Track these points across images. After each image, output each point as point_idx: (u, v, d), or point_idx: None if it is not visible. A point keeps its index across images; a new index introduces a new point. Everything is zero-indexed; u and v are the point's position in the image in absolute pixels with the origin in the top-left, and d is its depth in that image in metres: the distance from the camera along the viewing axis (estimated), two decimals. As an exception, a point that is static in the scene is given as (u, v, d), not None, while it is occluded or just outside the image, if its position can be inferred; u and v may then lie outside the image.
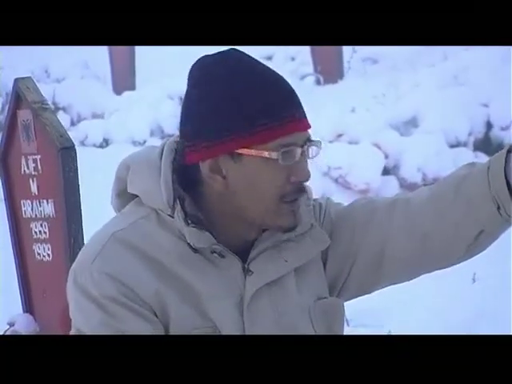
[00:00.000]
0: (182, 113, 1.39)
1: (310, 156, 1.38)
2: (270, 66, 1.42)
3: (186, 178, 1.37)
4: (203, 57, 1.39)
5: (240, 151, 1.32)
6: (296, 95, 1.39)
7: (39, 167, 3.20)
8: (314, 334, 1.48)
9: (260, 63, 1.40)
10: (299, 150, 1.33)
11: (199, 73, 1.37)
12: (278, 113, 1.33)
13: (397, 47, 8.45)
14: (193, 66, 1.38)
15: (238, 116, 1.33)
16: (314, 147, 1.37)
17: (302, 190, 1.36)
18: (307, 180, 1.38)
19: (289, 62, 9.71)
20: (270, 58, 9.31)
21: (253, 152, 1.32)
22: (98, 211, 2.80)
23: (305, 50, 8.40)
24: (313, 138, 1.38)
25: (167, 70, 6.56)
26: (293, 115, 1.35)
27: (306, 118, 1.38)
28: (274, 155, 1.31)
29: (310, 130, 1.38)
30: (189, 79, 1.38)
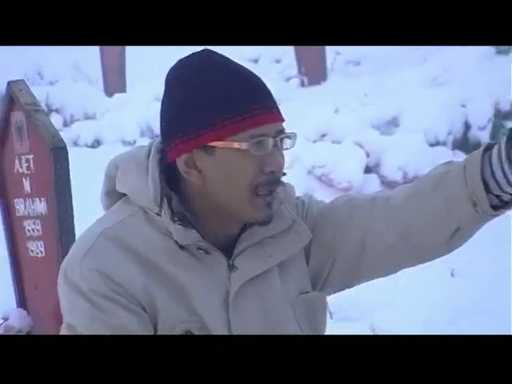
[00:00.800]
0: (160, 115, 1.40)
1: (284, 147, 1.37)
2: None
3: (171, 177, 1.38)
4: (178, 60, 1.41)
5: (212, 144, 1.33)
6: (266, 89, 1.39)
7: (32, 167, 3.22)
8: (297, 327, 1.48)
9: (230, 61, 1.40)
10: (271, 141, 1.33)
11: (172, 74, 1.39)
12: (247, 105, 1.33)
13: (378, 49, 8.51)
14: (169, 70, 1.41)
15: (208, 110, 1.33)
16: (287, 139, 1.38)
17: (276, 181, 1.37)
18: (280, 170, 1.38)
19: (274, 64, 9.71)
20: (256, 61, 9.24)
21: (224, 144, 1.32)
22: (89, 210, 2.82)
23: (290, 52, 8.37)
24: (286, 130, 1.38)
25: (156, 71, 6.47)
26: (263, 107, 1.34)
27: (277, 111, 1.38)
28: (245, 146, 1.31)
29: (284, 124, 1.39)
30: (165, 82, 1.41)
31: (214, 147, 1.33)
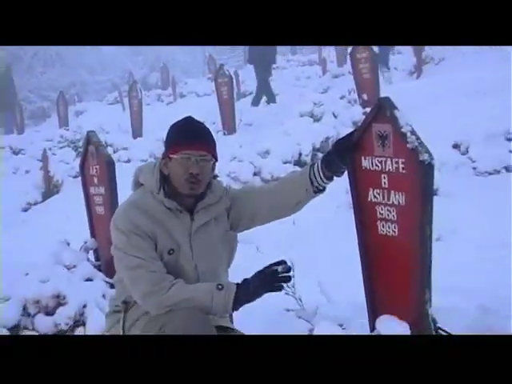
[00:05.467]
0: None
1: (201, 164, 2.56)
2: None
3: (164, 175, 2.62)
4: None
5: (170, 156, 2.58)
6: (200, 135, 2.62)
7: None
8: (224, 247, 2.70)
9: (192, 120, 2.66)
10: (193, 158, 2.54)
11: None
12: (185, 140, 2.57)
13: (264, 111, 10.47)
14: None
15: (170, 141, 2.62)
16: (203, 160, 2.57)
17: (194, 177, 2.55)
18: (195, 173, 2.54)
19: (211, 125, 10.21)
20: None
21: (173, 156, 2.57)
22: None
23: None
24: (205, 156, 2.57)
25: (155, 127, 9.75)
26: (192, 142, 2.56)
27: (203, 145, 2.58)
28: (177, 157, 2.56)
29: (205, 152, 2.58)
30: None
31: (171, 158, 2.59)
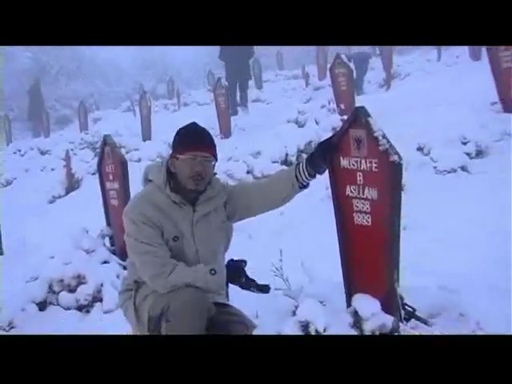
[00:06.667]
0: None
1: (206, 164, 2.58)
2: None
3: (171, 172, 2.64)
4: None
5: (177, 156, 2.60)
6: (204, 139, 2.62)
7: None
8: (222, 234, 2.71)
9: (197, 126, 2.65)
10: (198, 159, 2.56)
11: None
12: (191, 143, 2.58)
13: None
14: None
15: (178, 143, 2.62)
16: (207, 161, 2.59)
17: (199, 175, 2.57)
18: (200, 172, 2.56)
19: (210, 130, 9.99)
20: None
21: (180, 156, 2.59)
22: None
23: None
24: (208, 157, 2.59)
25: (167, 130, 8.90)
26: (197, 145, 2.58)
27: (206, 148, 2.59)
28: (184, 158, 2.57)
29: (209, 153, 2.59)
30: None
31: (178, 158, 2.60)
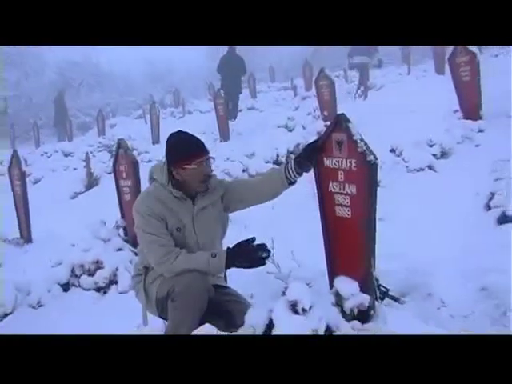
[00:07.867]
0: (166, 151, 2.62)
1: (208, 164, 2.53)
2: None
3: (172, 173, 2.57)
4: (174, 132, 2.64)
5: (184, 167, 2.52)
6: (200, 143, 2.53)
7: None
8: (219, 225, 2.66)
9: (187, 134, 2.56)
10: (204, 162, 2.52)
11: (169, 138, 2.61)
12: (194, 151, 2.52)
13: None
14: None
15: (180, 155, 2.52)
16: (211, 160, 2.54)
17: (207, 178, 2.56)
18: (209, 172, 2.55)
19: (210, 134, 9.98)
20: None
21: (188, 166, 2.51)
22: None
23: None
24: (209, 157, 2.53)
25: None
26: (199, 151, 2.51)
27: (205, 150, 2.52)
28: (192, 166, 2.50)
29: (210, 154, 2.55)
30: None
31: (185, 168, 2.53)
